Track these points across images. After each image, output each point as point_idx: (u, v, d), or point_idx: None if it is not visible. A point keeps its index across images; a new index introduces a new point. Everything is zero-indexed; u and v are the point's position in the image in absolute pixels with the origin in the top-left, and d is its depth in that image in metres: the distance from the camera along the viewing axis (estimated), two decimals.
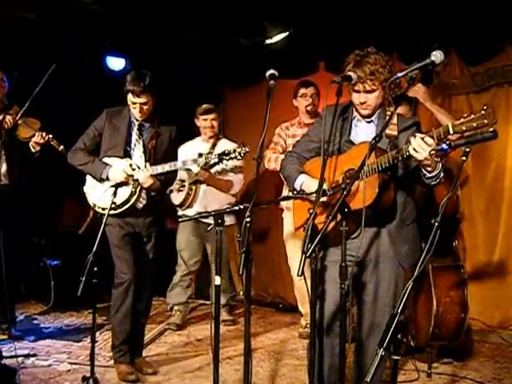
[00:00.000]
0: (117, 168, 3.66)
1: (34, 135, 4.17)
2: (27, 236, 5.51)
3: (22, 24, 5.16)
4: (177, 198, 4.98)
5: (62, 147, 4.15)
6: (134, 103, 3.66)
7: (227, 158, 3.76)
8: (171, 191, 4.95)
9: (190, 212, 4.88)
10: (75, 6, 5.07)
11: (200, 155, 3.78)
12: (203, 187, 4.97)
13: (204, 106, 5.07)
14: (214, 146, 4.97)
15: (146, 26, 5.44)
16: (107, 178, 3.66)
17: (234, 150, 3.77)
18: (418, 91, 3.94)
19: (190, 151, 4.74)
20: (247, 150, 3.78)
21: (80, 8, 5.09)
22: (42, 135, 4.16)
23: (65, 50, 4.68)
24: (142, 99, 3.64)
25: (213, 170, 4.89)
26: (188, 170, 4.78)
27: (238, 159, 3.85)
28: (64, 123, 4.25)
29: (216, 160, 3.76)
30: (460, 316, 3.81)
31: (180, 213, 5.02)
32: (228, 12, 5.18)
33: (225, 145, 4.82)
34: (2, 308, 4.35)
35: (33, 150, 4.19)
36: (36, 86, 4.20)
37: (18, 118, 4.18)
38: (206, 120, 5.02)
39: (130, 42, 5.81)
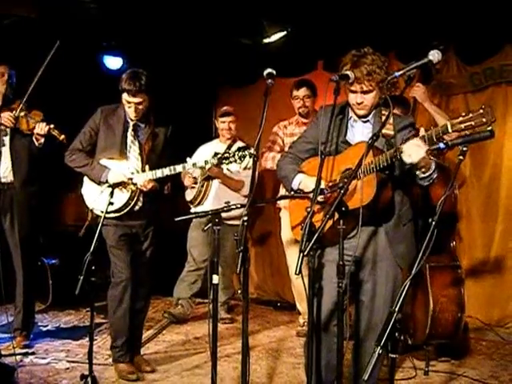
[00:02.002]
0: (116, 171, 3.62)
1: (35, 127, 4.10)
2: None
3: (21, 23, 5.15)
4: (189, 194, 5.05)
5: (63, 136, 4.05)
6: (129, 102, 3.60)
7: (238, 156, 3.58)
8: (186, 188, 5.04)
9: (201, 209, 4.87)
10: (73, 5, 5.06)
11: (216, 154, 3.71)
12: (215, 186, 4.99)
13: (224, 108, 5.16)
14: (229, 147, 4.98)
15: (143, 25, 5.43)
16: (106, 182, 3.62)
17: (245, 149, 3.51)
18: (418, 91, 3.93)
19: (207, 151, 4.83)
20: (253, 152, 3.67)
21: (78, 7, 5.08)
22: (42, 126, 4.06)
23: (62, 48, 4.64)
24: (137, 99, 3.58)
25: (226, 170, 4.89)
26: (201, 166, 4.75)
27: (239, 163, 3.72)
28: (61, 123, 4.20)
29: (226, 156, 3.61)
30: (457, 315, 3.82)
31: (192, 210, 5.05)
32: (226, 11, 5.18)
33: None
34: (24, 313, 4.25)
35: (36, 143, 4.13)
36: (37, 85, 4.17)
37: (18, 110, 4.11)
38: (224, 122, 5.09)
39: (128, 41, 5.81)
